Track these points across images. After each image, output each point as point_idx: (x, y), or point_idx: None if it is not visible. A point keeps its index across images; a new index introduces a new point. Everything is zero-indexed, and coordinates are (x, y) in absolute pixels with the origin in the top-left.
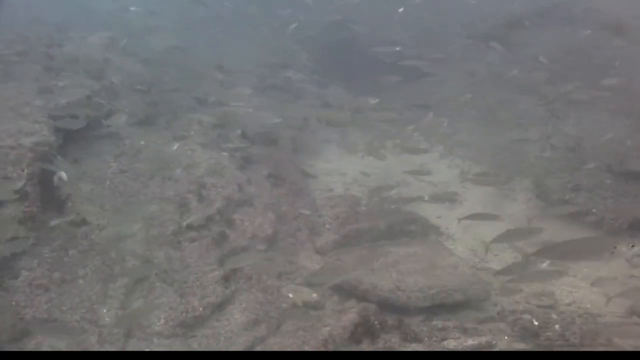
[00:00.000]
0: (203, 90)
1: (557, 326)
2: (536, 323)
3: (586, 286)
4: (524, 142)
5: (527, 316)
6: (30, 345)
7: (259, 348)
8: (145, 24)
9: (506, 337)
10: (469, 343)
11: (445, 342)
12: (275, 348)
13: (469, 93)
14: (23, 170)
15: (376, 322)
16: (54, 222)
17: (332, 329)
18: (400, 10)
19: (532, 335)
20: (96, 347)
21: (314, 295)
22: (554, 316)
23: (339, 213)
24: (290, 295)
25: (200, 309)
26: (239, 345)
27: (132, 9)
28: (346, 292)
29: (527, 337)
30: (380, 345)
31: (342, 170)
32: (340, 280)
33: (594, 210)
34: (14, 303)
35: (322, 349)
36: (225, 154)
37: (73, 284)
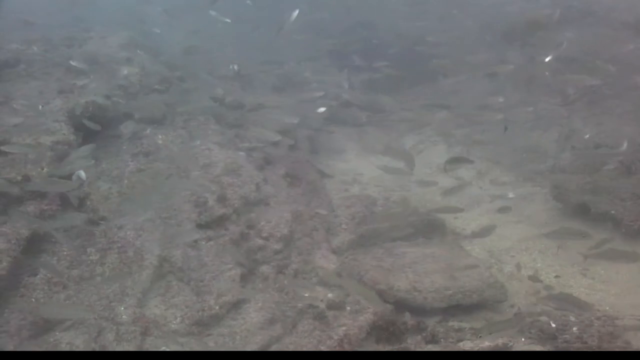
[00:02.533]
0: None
1: (575, 328)
2: (554, 325)
3: (604, 289)
4: (543, 142)
5: (544, 318)
6: (49, 342)
7: (274, 347)
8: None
9: (523, 339)
10: (485, 344)
11: (461, 344)
12: (291, 347)
13: (489, 93)
14: (43, 169)
15: (392, 323)
16: None
17: (348, 329)
18: None
19: (549, 337)
20: (114, 344)
21: (330, 295)
22: (572, 318)
23: (355, 213)
24: (306, 295)
25: (217, 307)
26: (254, 344)
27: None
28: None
29: (545, 339)
30: (396, 346)
31: (358, 170)
32: None
33: (612, 212)
34: (33, 300)
35: (338, 349)
36: (242, 153)
37: (91, 282)
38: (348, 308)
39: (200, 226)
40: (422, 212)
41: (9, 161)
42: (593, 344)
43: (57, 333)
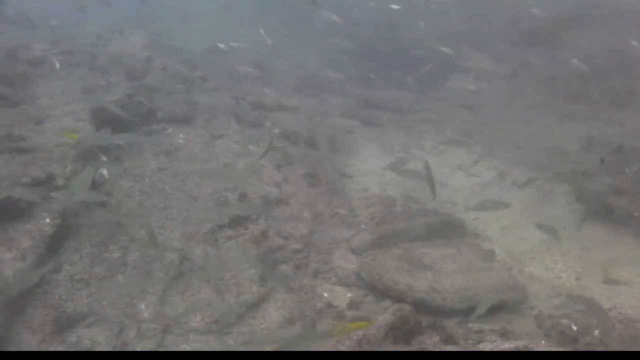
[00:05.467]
0: (241, 90)
1: (596, 332)
2: (575, 328)
3: (627, 291)
4: (566, 143)
5: (565, 321)
6: (72, 338)
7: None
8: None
9: (543, 342)
10: (505, 347)
11: (481, 345)
12: (311, 347)
13: (511, 94)
14: (66, 167)
15: (411, 324)
16: None
17: (366, 329)
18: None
19: (570, 340)
20: (135, 342)
21: (349, 295)
22: (594, 321)
23: (374, 213)
24: (325, 295)
25: (236, 306)
26: (274, 343)
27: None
28: (381, 292)
29: (566, 342)
30: (414, 347)
31: (378, 171)
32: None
33: (636, 214)
34: (56, 296)
35: (357, 349)
36: None
37: (113, 279)
38: (366, 308)
39: (220, 225)
40: (442, 213)
41: (34, 159)
42: (615, 348)
43: (80, 329)
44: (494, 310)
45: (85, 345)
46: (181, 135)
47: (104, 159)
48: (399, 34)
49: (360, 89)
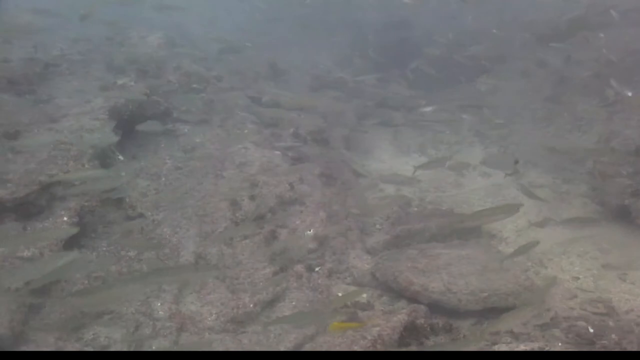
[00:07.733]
0: (257, 89)
1: (613, 335)
2: (592, 330)
3: None
4: (583, 144)
5: (582, 323)
6: (88, 336)
7: (308, 346)
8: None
9: (560, 344)
10: (520, 349)
11: (496, 347)
12: (324, 347)
13: (526, 93)
14: (84, 166)
15: (426, 324)
16: None
17: (381, 329)
18: None
19: (586, 342)
20: (150, 340)
21: (364, 295)
22: (611, 324)
23: (389, 213)
24: (340, 295)
25: (251, 305)
26: (288, 342)
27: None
28: (396, 292)
29: (582, 344)
30: (428, 347)
31: (394, 171)
32: None
33: None
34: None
35: (371, 349)
36: (278, 152)
37: (129, 277)
38: (381, 308)
39: (236, 224)
40: (457, 213)
41: (52, 158)
42: (633, 351)
43: (96, 327)
44: (510, 311)
45: (102, 343)
46: (197, 135)
47: (120, 157)
48: (413, 34)
49: (376, 89)
